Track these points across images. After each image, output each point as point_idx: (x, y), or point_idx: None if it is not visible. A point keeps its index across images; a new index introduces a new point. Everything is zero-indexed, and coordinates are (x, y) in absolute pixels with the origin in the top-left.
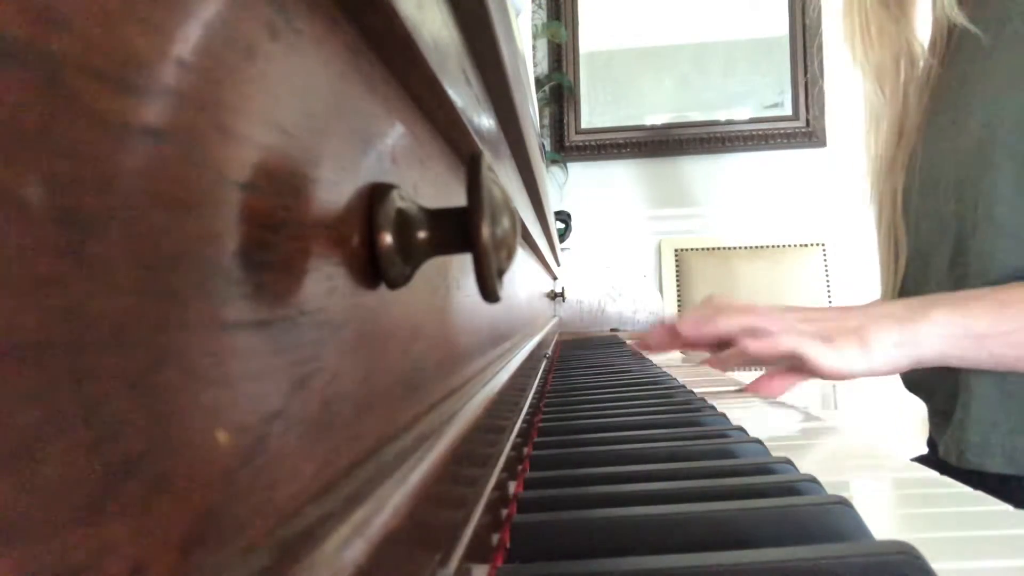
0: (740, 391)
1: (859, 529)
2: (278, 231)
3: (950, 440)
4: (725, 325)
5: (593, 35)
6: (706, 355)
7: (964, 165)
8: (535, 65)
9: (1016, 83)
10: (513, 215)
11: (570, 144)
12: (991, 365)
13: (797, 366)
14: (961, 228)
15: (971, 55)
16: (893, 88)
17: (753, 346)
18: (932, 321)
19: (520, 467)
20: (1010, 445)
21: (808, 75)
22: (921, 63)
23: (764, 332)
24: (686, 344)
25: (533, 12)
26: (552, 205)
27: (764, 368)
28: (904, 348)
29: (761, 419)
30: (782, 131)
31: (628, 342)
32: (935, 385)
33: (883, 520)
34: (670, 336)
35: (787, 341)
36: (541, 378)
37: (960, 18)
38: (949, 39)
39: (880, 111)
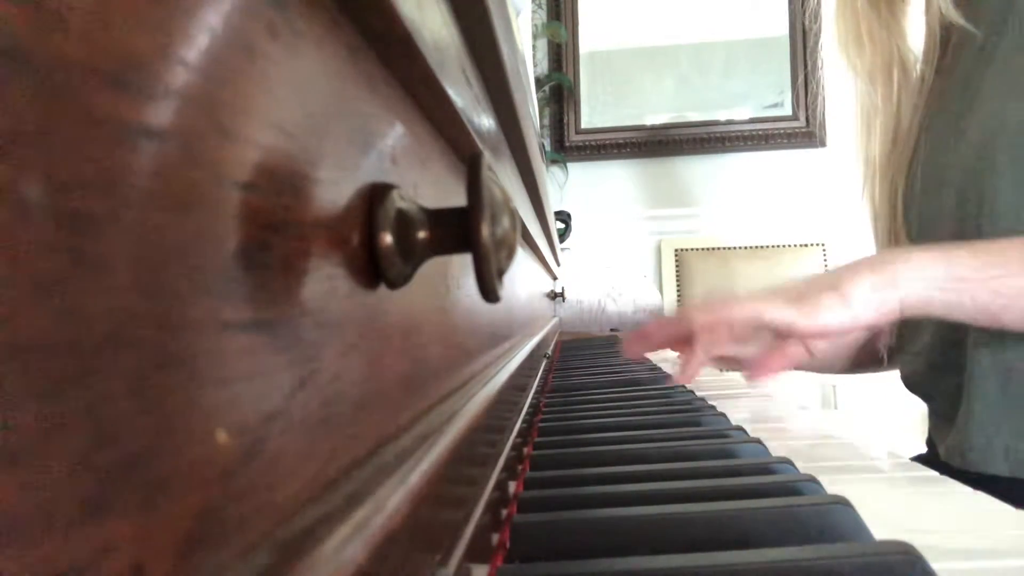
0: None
1: (859, 529)
2: (278, 231)
3: (952, 443)
4: (738, 312)
5: (593, 35)
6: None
7: (966, 169)
8: (535, 65)
9: (1016, 89)
10: (513, 215)
11: (570, 144)
12: (972, 315)
13: (782, 336)
14: (962, 230)
15: (969, 62)
16: (885, 93)
17: (701, 317)
18: (910, 262)
19: (520, 467)
20: (1013, 448)
21: (808, 75)
22: (914, 70)
23: (733, 309)
24: (689, 341)
25: (533, 12)
26: (552, 205)
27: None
28: (883, 291)
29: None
30: (782, 131)
31: (625, 341)
32: (936, 387)
33: (883, 520)
34: (676, 330)
35: (767, 310)
36: (541, 378)
37: (956, 17)
38: (944, 47)
39: (872, 113)
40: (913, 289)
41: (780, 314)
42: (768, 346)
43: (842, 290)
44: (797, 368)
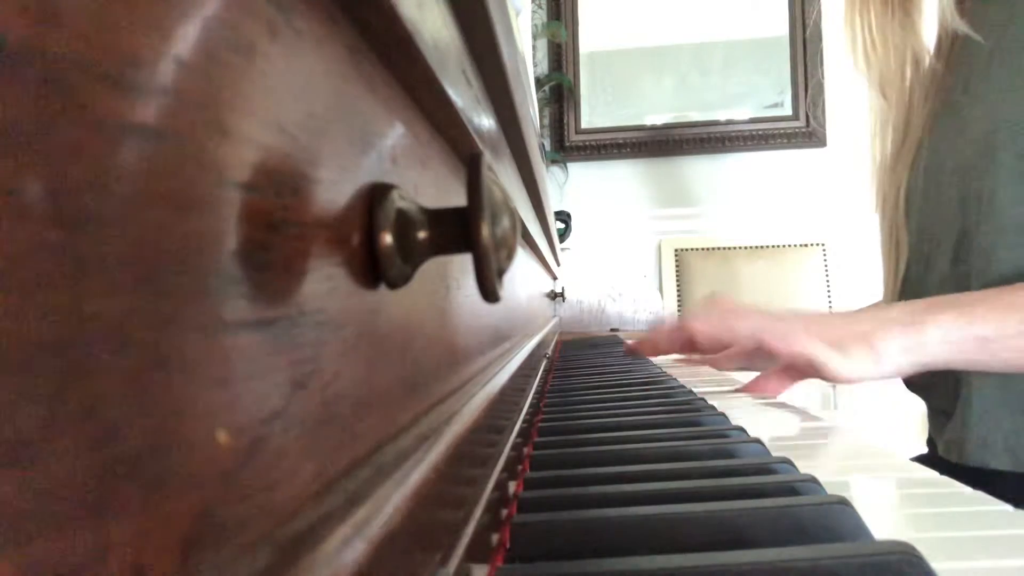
0: (736, 391)
1: (859, 529)
2: (278, 231)
3: (951, 437)
4: (740, 328)
5: (593, 35)
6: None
7: (968, 163)
8: (535, 65)
9: (1017, 86)
10: (513, 215)
11: (570, 144)
12: (998, 369)
13: (801, 368)
14: (964, 224)
15: (975, 57)
16: (899, 91)
17: (771, 344)
18: (937, 325)
19: (520, 467)
20: (1013, 441)
21: (808, 77)
22: (926, 65)
23: (778, 334)
24: (695, 348)
25: (533, 12)
26: (552, 205)
27: (758, 370)
28: (911, 354)
29: (759, 420)
30: (782, 131)
31: (628, 342)
32: (934, 384)
33: (883, 520)
34: (679, 338)
35: (801, 344)
36: (541, 378)
37: (961, 26)
38: (954, 41)
39: (886, 117)
40: (939, 352)
41: (820, 356)
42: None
43: (874, 345)
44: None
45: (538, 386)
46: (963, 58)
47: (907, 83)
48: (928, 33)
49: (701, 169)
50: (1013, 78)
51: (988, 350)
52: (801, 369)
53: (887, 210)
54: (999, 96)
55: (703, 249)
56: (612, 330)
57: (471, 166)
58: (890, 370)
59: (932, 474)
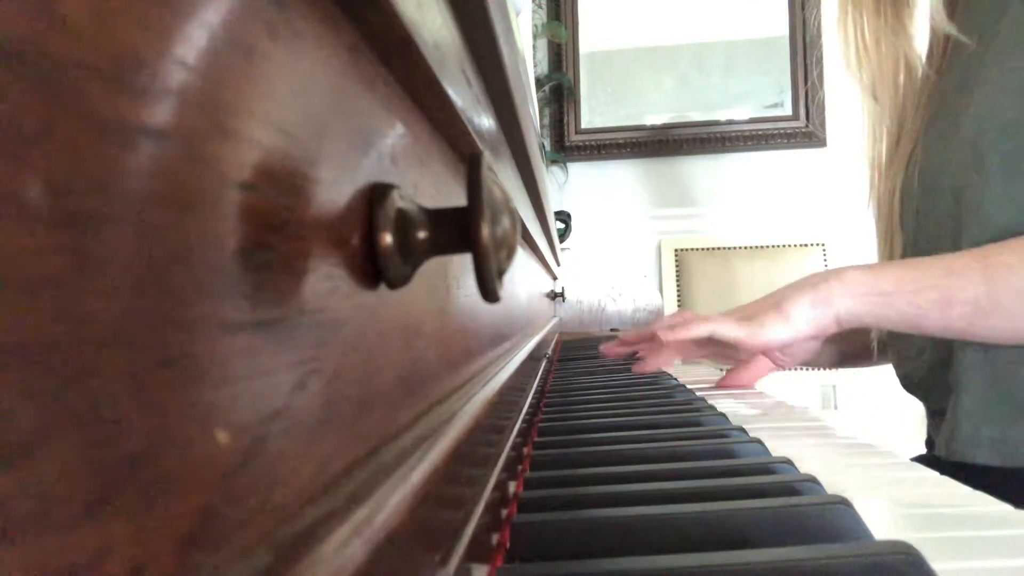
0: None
1: (859, 529)
2: (278, 231)
3: (942, 435)
4: (693, 332)
5: (593, 35)
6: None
7: (960, 167)
8: (535, 65)
9: (1005, 88)
10: (513, 215)
11: (570, 144)
12: (897, 324)
13: (726, 347)
14: (959, 225)
15: (966, 62)
16: (892, 97)
17: (666, 335)
18: (842, 280)
19: (520, 467)
20: (999, 437)
21: (808, 77)
22: (919, 72)
23: (691, 329)
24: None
25: (533, 12)
26: (552, 205)
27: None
28: (819, 308)
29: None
30: (782, 131)
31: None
32: (931, 384)
33: (883, 520)
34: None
35: (707, 328)
36: (541, 378)
37: (949, 27)
38: (945, 48)
39: (879, 120)
40: (844, 305)
41: (730, 333)
42: (726, 355)
43: (784, 309)
44: (783, 367)
45: (538, 386)
46: (956, 61)
47: (900, 89)
48: (921, 40)
49: (701, 169)
50: (1003, 79)
51: (888, 303)
52: (726, 349)
53: (882, 212)
54: (990, 98)
55: (703, 249)
56: (612, 330)
57: (471, 166)
58: (803, 327)
59: (932, 474)
